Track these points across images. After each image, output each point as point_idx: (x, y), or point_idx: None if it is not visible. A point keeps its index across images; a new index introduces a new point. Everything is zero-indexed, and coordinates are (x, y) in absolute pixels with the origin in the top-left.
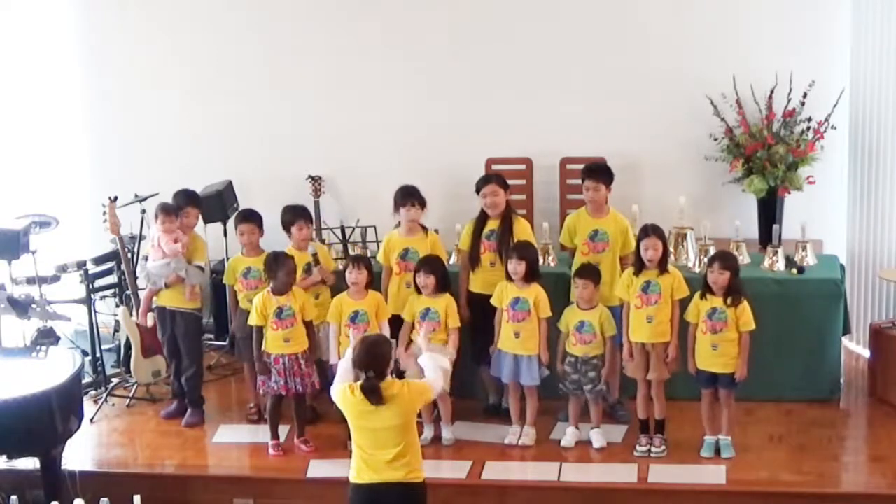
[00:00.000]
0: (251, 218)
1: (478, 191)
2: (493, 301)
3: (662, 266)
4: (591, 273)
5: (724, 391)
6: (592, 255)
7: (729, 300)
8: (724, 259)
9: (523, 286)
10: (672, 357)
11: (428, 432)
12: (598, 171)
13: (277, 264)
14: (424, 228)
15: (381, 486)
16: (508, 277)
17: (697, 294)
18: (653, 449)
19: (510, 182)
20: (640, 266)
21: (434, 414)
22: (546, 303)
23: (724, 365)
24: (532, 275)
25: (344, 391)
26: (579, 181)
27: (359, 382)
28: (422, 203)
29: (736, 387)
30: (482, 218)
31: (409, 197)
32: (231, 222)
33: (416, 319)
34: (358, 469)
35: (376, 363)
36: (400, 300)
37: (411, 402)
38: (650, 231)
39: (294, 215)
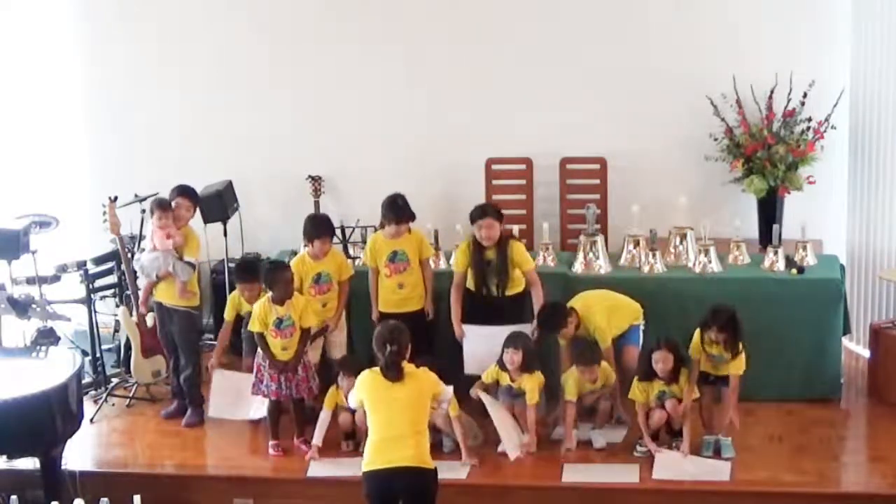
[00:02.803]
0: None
1: (472, 221)
2: (484, 378)
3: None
4: (593, 360)
5: (726, 389)
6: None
7: (729, 356)
8: (718, 318)
9: (518, 377)
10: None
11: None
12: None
13: (275, 274)
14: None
15: (392, 470)
16: (502, 365)
17: (697, 333)
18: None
19: (510, 182)
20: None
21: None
22: (537, 391)
23: (728, 369)
24: (528, 366)
25: (363, 374)
26: (579, 181)
27: (379, 360)
28: (412, 218)
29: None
30: (478, 246)
31: (401, 215)
32: (231, 222)
33: None
34: (370, 457)
35: (399, 340)
36: (392, 302)
37: (427, 384)
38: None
39: (323, 229)
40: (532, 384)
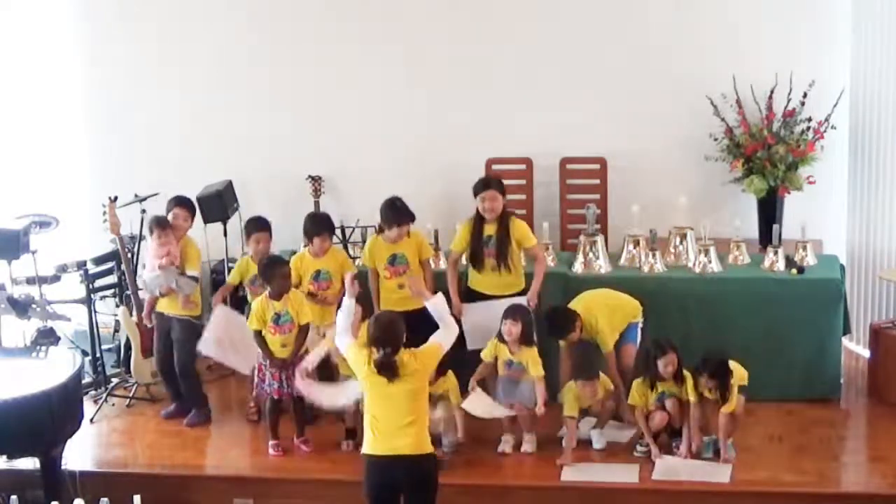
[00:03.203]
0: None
1: (476, 194)
2: (483, 355)
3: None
4: (594, 374)
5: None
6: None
7: (721, 400)
8: (708, 366)
9: (517, 350)
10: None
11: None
12: None
13: (272, 269)
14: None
15: (391, 458)
16: (501, 338)
17: (690, 378)
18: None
19: (510, 182)
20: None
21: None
22: (539, 364)
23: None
24: (527, 339)
25: (360, 361)
26: (579, 181)
27: (373, 357)
28: (413, 219)
29: (745, 393)
30: (479, 221)
31: (402, 218)
32: (231, 222)
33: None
34: (370, 440)
35: (392, 340)
36: (392, 301)
37: (425, 370)
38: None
39: (323, 227)
40: (532, 356)
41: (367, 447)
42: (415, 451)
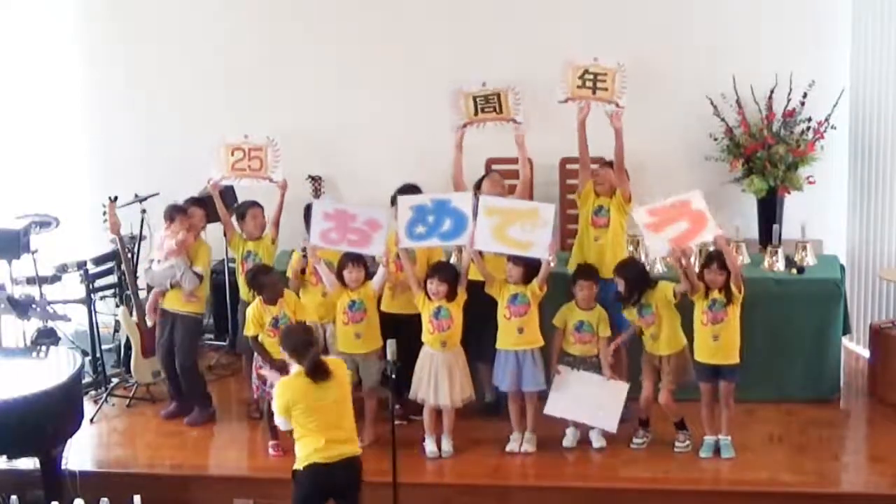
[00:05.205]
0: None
1: (478, 185)
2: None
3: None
4: (592, 275)
5: (724, 384)
6: (594, 229)
7: (724, 299)
8: (722, 259)
9: (520, 285)
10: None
11: (431, 445)
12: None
13: (260, 278)
14: None
15: (340, 462)
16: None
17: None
18: (677, 444)
19: (510, 182)
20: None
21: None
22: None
23: (726, 356)
24: (529, 278)
25: (286, 382)
26: (579, 181)
27: (300, 369)
28: None
29: (736, 376)
30: None
31: None
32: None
33: (429, 318)
34: (312, 453)
35: (311, 341)
36: (396, 299)
37: (345, 375)
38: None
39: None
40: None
41: (314, 456)
42: (355, 452)
